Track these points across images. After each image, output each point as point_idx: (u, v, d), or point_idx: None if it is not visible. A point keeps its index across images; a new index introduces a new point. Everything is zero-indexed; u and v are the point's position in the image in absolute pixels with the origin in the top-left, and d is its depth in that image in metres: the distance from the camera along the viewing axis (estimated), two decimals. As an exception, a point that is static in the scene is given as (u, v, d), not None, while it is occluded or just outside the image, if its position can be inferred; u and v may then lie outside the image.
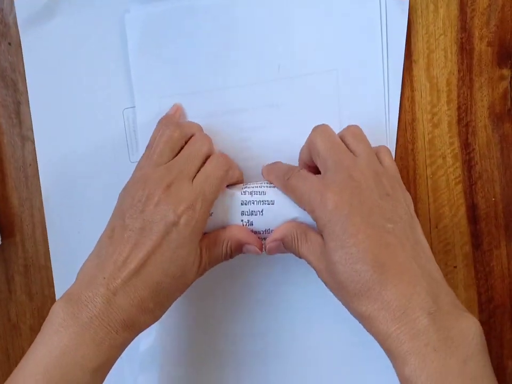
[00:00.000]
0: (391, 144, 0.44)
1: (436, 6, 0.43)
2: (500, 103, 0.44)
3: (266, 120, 0.43)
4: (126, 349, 0.35)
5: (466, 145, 0.44)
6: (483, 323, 0.46)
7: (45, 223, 0.43)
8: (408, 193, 0.38)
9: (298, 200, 0.37)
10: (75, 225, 0.44)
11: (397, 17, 0.42)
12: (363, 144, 0.38)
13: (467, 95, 0.44)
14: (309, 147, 0.38)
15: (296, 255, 0.37)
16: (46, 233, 0.43)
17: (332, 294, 0.36)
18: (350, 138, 0.38)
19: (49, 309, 0.44)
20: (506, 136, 0.44)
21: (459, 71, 0.44)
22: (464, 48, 0.43)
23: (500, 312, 0.46)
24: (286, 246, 0.37)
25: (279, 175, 0.38)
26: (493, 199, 0.45)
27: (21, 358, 0.45)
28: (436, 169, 0.44)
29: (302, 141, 0.40)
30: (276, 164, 0.40)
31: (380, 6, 0.42)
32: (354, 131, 0.39)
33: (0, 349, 0.44)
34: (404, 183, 0.44)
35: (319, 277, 0.36)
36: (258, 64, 0.42)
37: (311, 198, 0.35)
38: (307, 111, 0.43)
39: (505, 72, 0.44)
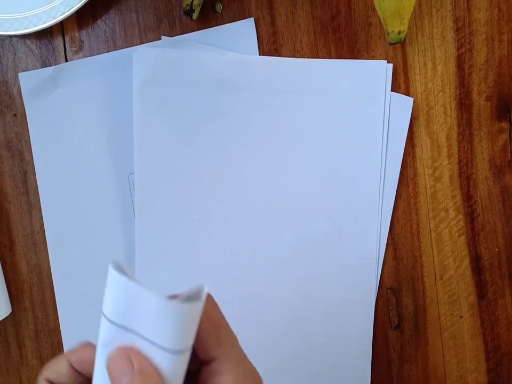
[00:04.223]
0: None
1: (434, 63, 0.43)
2: (500, 155, 0.44)
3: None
4: None
5: (468, 198, 0.45)
6: (490, 371, 0.46)
7: (53, 288, 0.43)
8: None
9: None
10: (83, 288, 0.44)
11: (400, 114, 0.43)
12: None
13: (467, 148, 0.44)
14: None
15: None
16: (55, 297, 0.44)
17: None
18: None
19: (60, 371, 0.45)
20: (508, 187, 0.45)
21: (459, 126, 0.44)
22: (463, 104, 0.44)
23: (507, 360, 0.46)
24: None
25: None
26: (496, 249, 0.45)
27: (33, 420, 0.46)
28: (439, 222, 0.45)
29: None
30: None
31: (385, 102, 0.43)
32: None
33: (12, 414, 0.44)
34: (407, 237, 0.45)
35: None
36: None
37: None
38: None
39: (504, 125, 0.44)
